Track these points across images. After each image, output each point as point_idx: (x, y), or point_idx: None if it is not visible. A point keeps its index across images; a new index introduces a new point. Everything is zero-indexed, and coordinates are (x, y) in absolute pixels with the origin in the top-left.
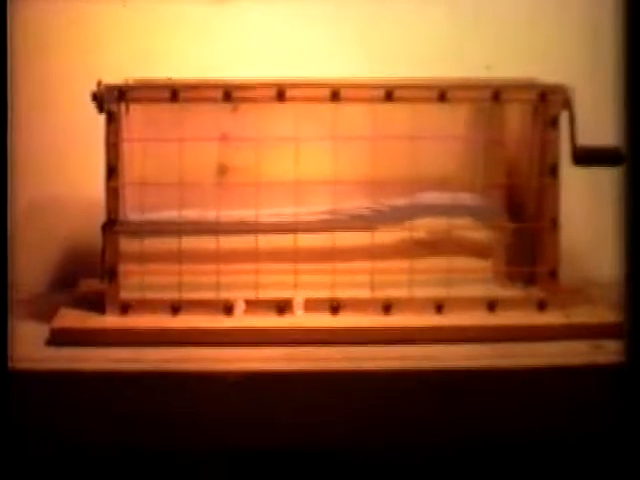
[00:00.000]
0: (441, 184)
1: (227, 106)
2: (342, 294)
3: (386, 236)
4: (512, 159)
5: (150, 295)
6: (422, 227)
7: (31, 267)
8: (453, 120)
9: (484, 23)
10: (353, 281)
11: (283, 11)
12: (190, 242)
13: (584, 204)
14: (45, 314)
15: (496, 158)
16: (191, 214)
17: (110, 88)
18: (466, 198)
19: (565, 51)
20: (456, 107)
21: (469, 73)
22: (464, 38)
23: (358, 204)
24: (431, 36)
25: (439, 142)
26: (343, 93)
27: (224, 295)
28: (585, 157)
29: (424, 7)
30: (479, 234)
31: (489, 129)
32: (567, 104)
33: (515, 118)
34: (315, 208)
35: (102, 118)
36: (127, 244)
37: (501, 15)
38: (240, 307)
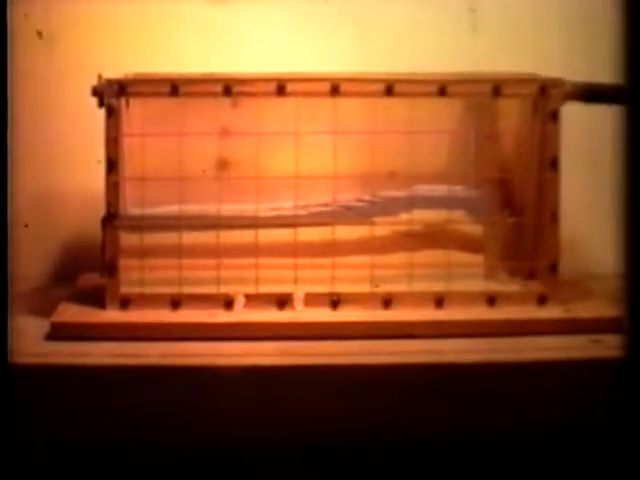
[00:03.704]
0: (440, 178)
1: (227, 101)
2: (342, 288)
3: (382, 229)
4: (512, 153)
5: (150, 290)
6: (418, 220)
7: (31, 261)
8: (452, 115)
9: (484, 21)
10: (353, 275)
11: (283, 9)
12: (190, 237)
13: (584, 198)
14: (45, 308)
15: (495, 152)
16: (191, 208)
17: (110, 82)
18: (461, 191)
19: (565, 51)
20: (455, 102)
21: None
22: (464, 36)
23: (354, 196)
24: (431, 34)
25: (438, 136)
26: (343, 88)
27: (224, 290)
28: (591, 95)
29: (424, 5)
30: (475, 228)
31: (488, 123)
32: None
33: (514, 112)
34: (310, 201)
35: (102, 112)
36: (127, 238)
37: (501, 13)
38: (240, 302)
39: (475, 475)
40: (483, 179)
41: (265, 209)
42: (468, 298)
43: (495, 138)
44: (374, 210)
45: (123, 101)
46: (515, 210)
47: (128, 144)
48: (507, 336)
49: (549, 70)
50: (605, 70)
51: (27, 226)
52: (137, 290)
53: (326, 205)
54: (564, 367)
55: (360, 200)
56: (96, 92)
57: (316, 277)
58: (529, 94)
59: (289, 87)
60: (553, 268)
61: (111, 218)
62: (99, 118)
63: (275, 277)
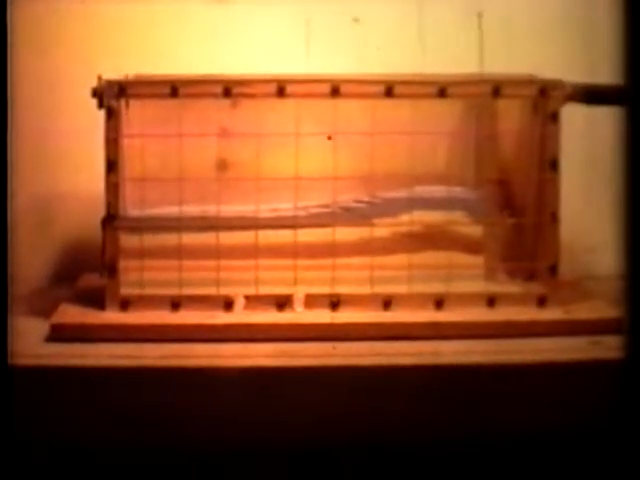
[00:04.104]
0: (440, 179)
1: (227, 102)
2: (342, 290)
3: (382, 230)
4: (512, 154)
5: (150, 291)
6: (418, 222)
7: (31, 262)
8: (452, 116)
9: (484, 23)
10: (353, 277)
11: (283, 9)
12: (190, 238)
13: (584, 199)
14: (45, 310)
15: (495, 153)
16: (191, 210)
17: (110, 84)
18: (461, 192)
19: (565, 52)
20: (455, 103)
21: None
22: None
23: (354, 198)
24: (431, 35)
25: (438, 137)
26: (343, 89)
27: (224, 291)
28: (591, 96)
29: (425, 6)
30: (475, 229)
31: (488, 124)
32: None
33: (515, 113)
34: (310, 202)
35: (102, 114)
36: (127, 239)
37: (501, 15)
38: (240, 303)
39: (475, 476)
40: (483, 180)
41: (264, 210)
42: (468, 299)
43: (495, 139)
44: (374, 211)
45: (123, 102)
46: (515, 211)
47: (128, 145)
48: (507, 337)
49: (549, 71)
50: (605, 71)
51: None
52: (137, 291)
53: (326, 206)
54: (564, 368)
55: (360, 201)
56: (96, 93)
57: (316, 278)
58: (529, 95)
59: (289, 88)
60: (553, 269)
61: (111, 219)
62: (99, 119)
63: (275, 278)
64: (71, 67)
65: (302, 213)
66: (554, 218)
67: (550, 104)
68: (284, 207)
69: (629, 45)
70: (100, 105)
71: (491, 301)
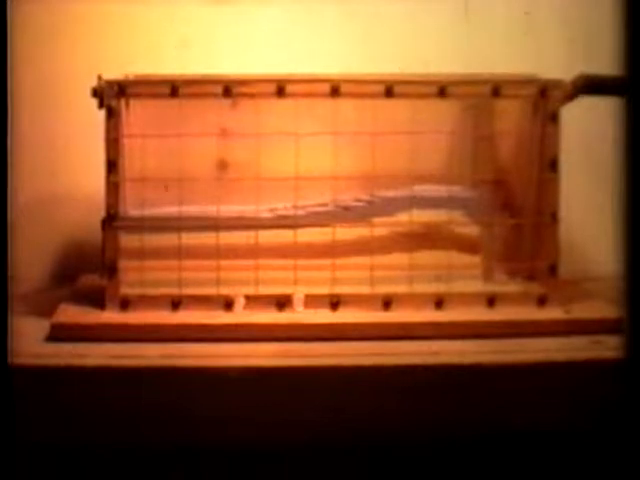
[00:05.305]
0: (439, 179)
1: (227, 102)
2: (342, 290)
3: (381, 229)
4: (512, 154)
5: (150, 291)
6: (417, 221)
7: (31, 262)
8: (452, 116)
9: (484, 22)
10: (352, 276)
11: (283, 9)
12: (190, 238)
13: (584, 199)
14: (45, 309)
15: (494, 153)
16: (191, 210)
17: (110, 83)
18: (460, 191)
19: (565, 51)
20: (455, 103)
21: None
22: (464, 37)
23: (353, 197)
24: (431, 35)
25: (438, 137)
26: (343, 89)
27: (224, 291)
28: (591, 86)
29: (425, 6)
30: (475, 228)
31: (487, 124)
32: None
33: (514, 113)
34: (308, 201)
35: (102, 114)
36: (127, 239)
37: (501, 14)
38: (240, 303)
39: (476, 476)
40: (482, 180)
41: (264, 210)
42: (468, 299)
43: (494, 139)
44: (372, 210)
45: (123, 102)
46: (515, 211)
47: (128, 145)
48: (507, 337)
49: (549, 71)
50: (606, 70)
51: None
52: (137, 291)
53: (324, 205)
54: (564, 368)
55: (359, 200)
56: (96, 93)
57: (316, 278)
58: (529, 95)
59: (289, 88)
60: (553, 269)
61: (111, 219)
62: (99, 119)
63: (275, 278)
64: (71, 67)
65: (301, 212)
66: (554, 218)
67: (550, 104)
68: (283, 206)
69: (629, 45)
70: (100, 105)
71: (491, 301)
